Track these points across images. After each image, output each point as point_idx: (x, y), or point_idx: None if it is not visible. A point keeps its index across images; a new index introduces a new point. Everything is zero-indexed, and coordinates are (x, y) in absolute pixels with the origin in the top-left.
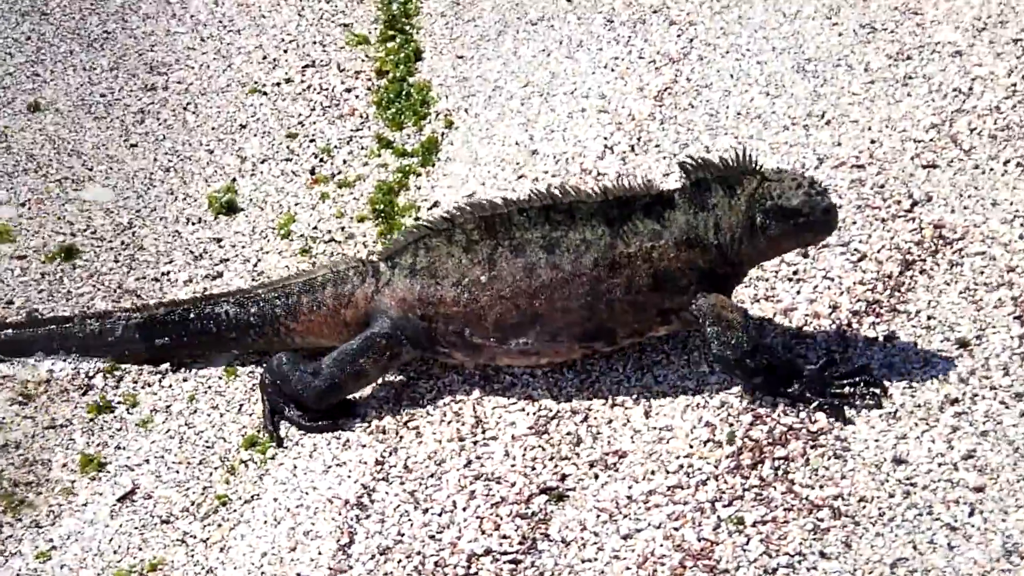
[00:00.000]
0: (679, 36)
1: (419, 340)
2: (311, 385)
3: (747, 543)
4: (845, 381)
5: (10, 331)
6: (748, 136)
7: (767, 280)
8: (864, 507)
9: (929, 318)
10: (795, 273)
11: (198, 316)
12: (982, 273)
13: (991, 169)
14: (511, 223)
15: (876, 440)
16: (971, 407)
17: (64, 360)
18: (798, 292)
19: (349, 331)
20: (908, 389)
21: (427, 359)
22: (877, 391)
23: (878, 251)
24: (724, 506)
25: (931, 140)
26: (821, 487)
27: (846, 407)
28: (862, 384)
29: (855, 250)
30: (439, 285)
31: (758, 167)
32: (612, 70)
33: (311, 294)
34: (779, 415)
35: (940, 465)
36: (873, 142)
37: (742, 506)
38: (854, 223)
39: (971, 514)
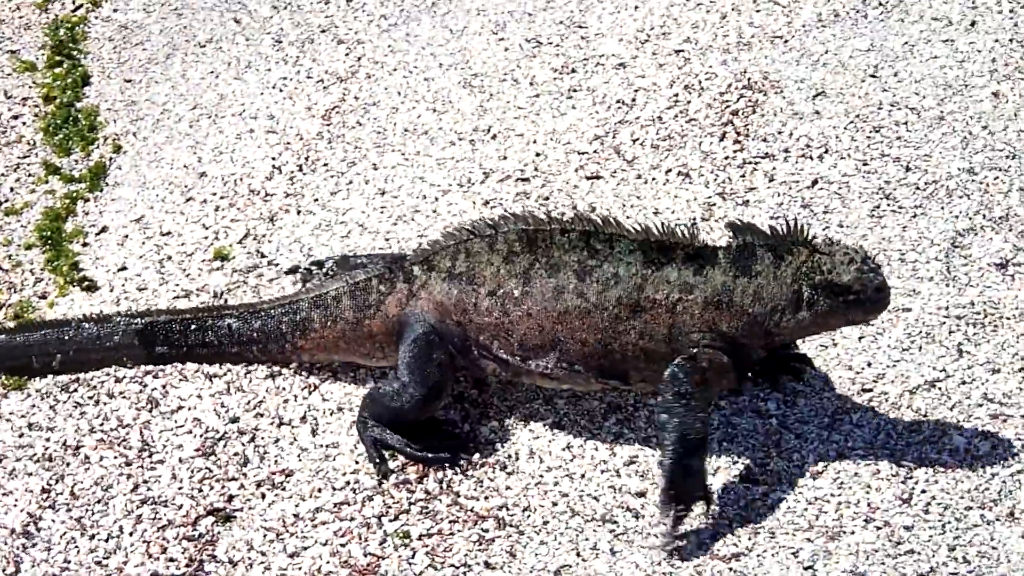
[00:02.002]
0: (347, 55)
1: (456, 346)
2: (407, 399)
3: (413, 556)
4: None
5: (2, 337)
6: (415, 152)
7: None
8: (528, 516)
9: None
10: None
11: (200, 327)
12: None
13: (653, 179)
14: (552, 241)
15: (541, 450)
16: (633, 414)
17: None
18: None
19: (374, 343)
20: (572, 398)
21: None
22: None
23: None
24: (390, 520)
25: (595, 151)
26: (486, 498)
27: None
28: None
29: None
30: (476, 292)
31: (809, 238)
32: (280, 90)
33: (323, 309)
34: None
35: (603, 472)
36: (538, 155)
37: (408, 520)
38: None
39: (634, 519)
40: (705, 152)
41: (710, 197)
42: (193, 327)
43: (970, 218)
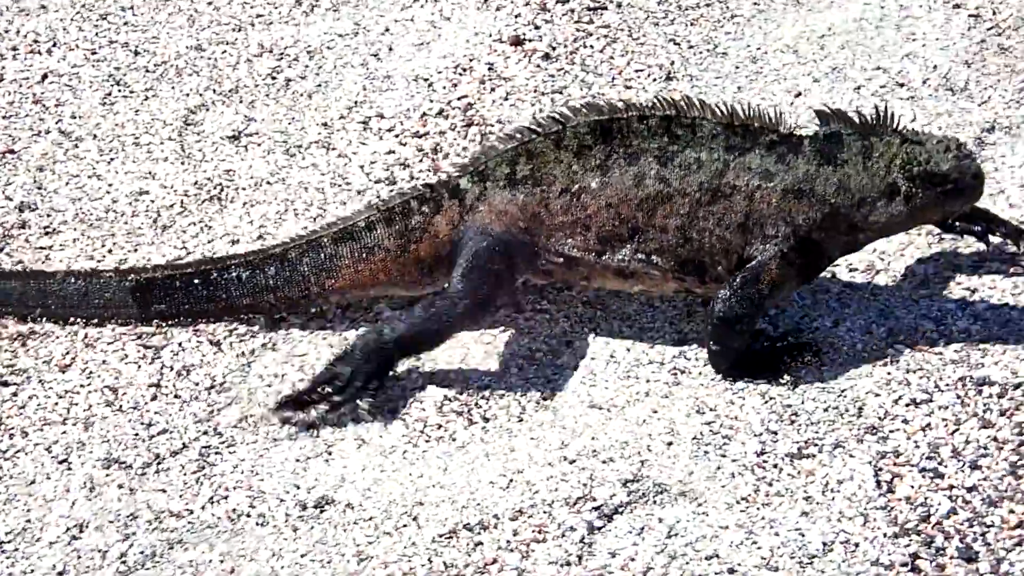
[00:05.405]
0: None
1: (523, 257)
2: (461, 309)
3: None
4: None
5: None
6: None
7: None
8: None
9: None
10: None
11: (204, 281)
12: None
13: None
14: (630, 129)
15: None
16: None
17: None
18: None
19: (422, 269)
20: None
21: None
22: None
23: None
24: None
25: None
26: None
27: None
28: None
29: None
30: (546, 193)
31: (900, 127)
32: None
33: (353, 241)
34: None
35: None
36: None
37: None
38: None
39: None
40: None
41: None
42: (196, 282)
43: (201, 94)
